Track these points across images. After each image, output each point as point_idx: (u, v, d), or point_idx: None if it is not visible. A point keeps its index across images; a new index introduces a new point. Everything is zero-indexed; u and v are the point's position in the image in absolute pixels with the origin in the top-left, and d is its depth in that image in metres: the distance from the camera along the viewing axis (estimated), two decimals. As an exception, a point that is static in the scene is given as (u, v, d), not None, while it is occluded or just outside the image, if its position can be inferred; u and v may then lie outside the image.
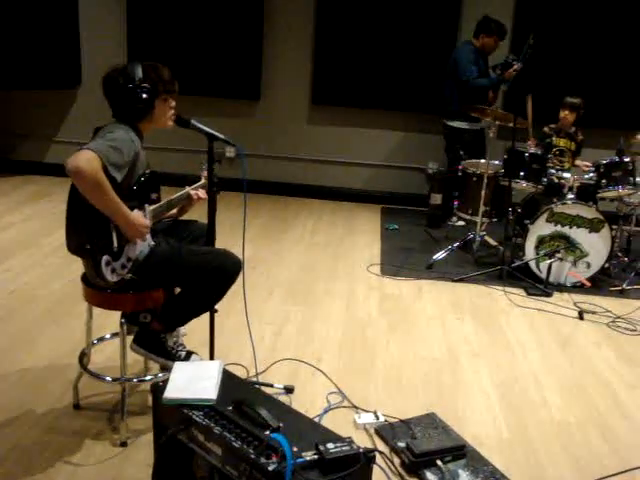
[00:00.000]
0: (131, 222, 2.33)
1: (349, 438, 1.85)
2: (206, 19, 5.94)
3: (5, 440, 2.48)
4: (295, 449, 1.75)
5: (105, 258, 2.30)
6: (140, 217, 2.41)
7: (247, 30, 5.95)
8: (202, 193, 2.72)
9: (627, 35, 5.60)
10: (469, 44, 5.33)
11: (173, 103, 2.56)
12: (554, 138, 4.95)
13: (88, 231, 2.26)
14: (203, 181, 2.76)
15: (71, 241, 2.32)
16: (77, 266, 2.41)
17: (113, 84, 2.44)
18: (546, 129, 5.01)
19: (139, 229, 2.38)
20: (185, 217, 2.86)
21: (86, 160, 2.15)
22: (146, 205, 2.50)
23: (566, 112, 4.88)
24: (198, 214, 2.82)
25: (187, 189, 2.74)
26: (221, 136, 2.51)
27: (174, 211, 2.77)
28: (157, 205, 2.55)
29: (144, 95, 2.41)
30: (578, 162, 4.95)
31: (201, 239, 2.66)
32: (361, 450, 1.80)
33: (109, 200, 2.23)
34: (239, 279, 2.56)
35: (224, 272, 2.49)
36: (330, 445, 1.77)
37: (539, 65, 5.15)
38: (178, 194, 2.71)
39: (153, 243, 2.53)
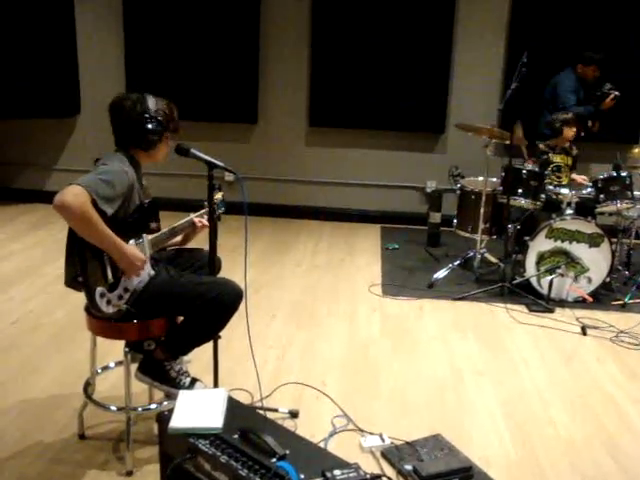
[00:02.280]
0: (125, 255, 2.32)
1: (355, 464, 1.85)
2: (202, 45, 6.01)
3: (10, 471, 2.47)
4: (302, 477, 1.75)
5: (99, 290, 2.29)
6: (134, 250, 2.38)
7: (243, 55, 6.02)
8: (207, 221, 2.72)
9: (620, 51, 5.65)
10: (571, 71, 5.33)
11: (171, 143, 2.58)
12: (550, 155, 4.98)
13: (81, 264, 2.26)
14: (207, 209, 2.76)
15: (66, 274, 2.33)
16: (80, 294, 2.41)
17: (127, 111, 2.45)
18: (542, 146, 5.02)
19: (133, 262, 2.35)
20: (191, 245, 2.85)
21: (73, 195, 2.16)
22: (144, 235, 2.49)
23: (573, 129, 4.89)
24: (203, 242, 2.82)
25: (191, 216, 2.73)
26: (220, 164, 2.50)
27: (178, 239, 2.76)
28: (157, 234, 2.55)
29: (157, 127, 2.46)
30: (574, 175, 4.97)
31: (205, 268, 2.64)
32: (368, 476, 1.80)
33: (99, 233, 2.23)
34: (241, 306, 2.55)
35: (223, 302, 2.46)
36: (337, 472, 1.76)
37: (532, 85, 5.18)
38: (182, 221, 2.70)
39: (153, 273, 2.53)
